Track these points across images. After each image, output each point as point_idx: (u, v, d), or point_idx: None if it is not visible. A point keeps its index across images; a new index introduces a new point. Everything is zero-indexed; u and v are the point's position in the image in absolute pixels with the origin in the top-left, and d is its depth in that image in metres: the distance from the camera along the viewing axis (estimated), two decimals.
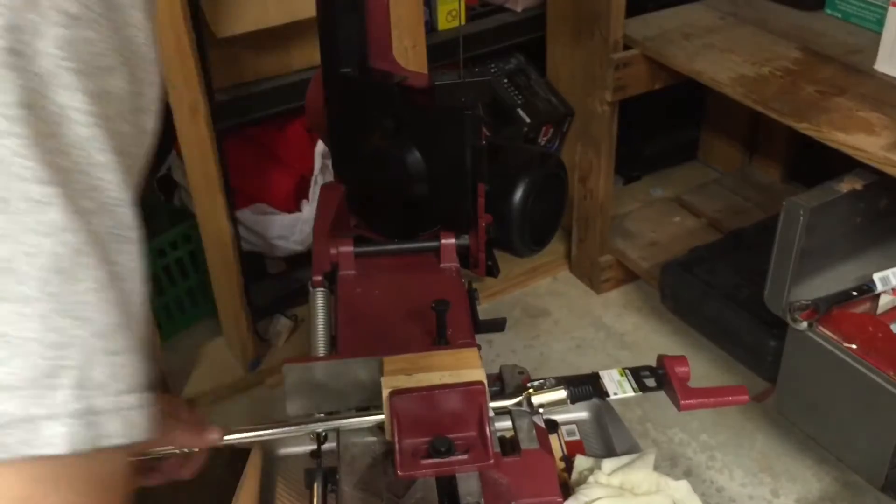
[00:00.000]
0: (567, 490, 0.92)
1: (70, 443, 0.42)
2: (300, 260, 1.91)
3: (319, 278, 1.14)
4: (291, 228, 1.84)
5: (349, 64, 1.14)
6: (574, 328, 2.00)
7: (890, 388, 1.33)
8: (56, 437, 0.41)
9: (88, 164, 0.43)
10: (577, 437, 1.09)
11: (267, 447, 1.09)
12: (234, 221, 1.71)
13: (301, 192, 1.85)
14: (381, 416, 0.85)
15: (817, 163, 1.80)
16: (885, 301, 1.42)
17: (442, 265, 1.16)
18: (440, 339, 0.99)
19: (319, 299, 1.13)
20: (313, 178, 1.83)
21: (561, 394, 0.91)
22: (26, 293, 0.41)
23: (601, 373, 0.93)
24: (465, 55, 1.19)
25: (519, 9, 1.99)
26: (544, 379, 0.93)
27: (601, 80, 1.81)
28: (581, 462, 0.98)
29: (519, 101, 2.06)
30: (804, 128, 1.44)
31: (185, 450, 0.84)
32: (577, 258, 2.13)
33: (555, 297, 2.10)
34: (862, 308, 1.43)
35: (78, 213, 0.42)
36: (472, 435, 0.84)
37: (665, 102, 2.09)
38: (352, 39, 1.13)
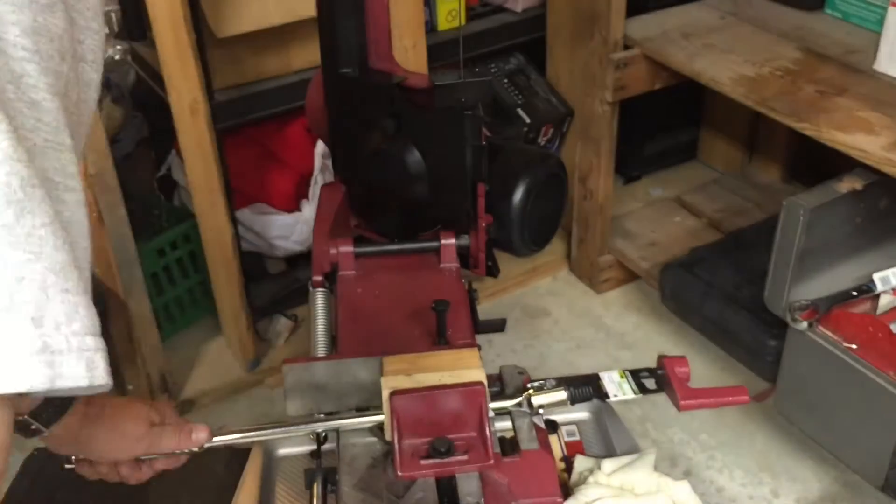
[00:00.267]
0: (567, 490, 0.92)
1: (27, 382, 0.39)
2: (300, 260, 1.91)
3: (320, 278, 1.14)
4: (291, 228, 1.84)
5: (349, 64, 1.14)
6: (574, 328, 2.00)
7: (890, 388, 1.33)
8: (11, 376, 0.39)
9: (26, 100, 0.41)
10: (577, 438, 1.09)
11: (267, 447, 1.09)
12: (234, 221, 1.71)
13: (301, 192, 1.85)
14: (381, 417, 0.85)
15: (817, 163, 1.80)
16: (885, 301, 1.42)
17: (442, 265, 1.16)
18: (440, 339, 0.99)
19: (319, 299, 1.13)
20: (313, 178, 1.83)
21: (561, 395, 0.92)
22: None
23: (601, 374, 0.93)
24: (465, 55, 1.19)
25: (519, 9, 1.99)
26: (544, 380, 0.93)
27: (601, 80, 1.81)
28: (581, 462, 0.98)
29: (519, 101, 2.06)
30: (804, 128, 1.44)
31: (177, 452, 0.85)
32: (576, 258, 2.12)
33: (555, 297, 2.10)
34: (862, 308, 1.43)
35: (23, 147, 0.40)
36: (472, 435, 0.84)
37: (665, 102, 2.08)
38: (352, 39, 1.13)
